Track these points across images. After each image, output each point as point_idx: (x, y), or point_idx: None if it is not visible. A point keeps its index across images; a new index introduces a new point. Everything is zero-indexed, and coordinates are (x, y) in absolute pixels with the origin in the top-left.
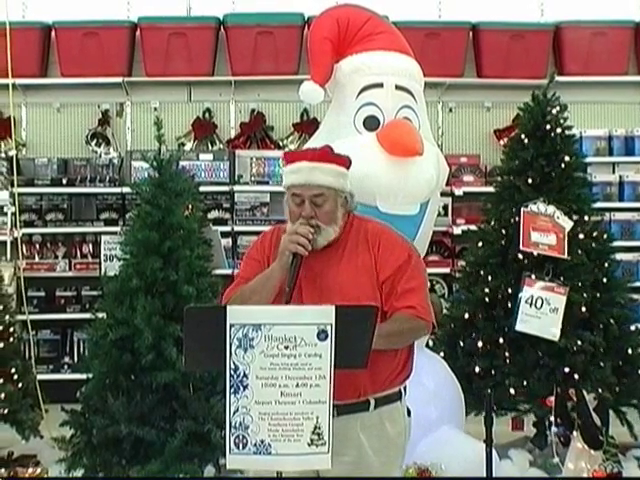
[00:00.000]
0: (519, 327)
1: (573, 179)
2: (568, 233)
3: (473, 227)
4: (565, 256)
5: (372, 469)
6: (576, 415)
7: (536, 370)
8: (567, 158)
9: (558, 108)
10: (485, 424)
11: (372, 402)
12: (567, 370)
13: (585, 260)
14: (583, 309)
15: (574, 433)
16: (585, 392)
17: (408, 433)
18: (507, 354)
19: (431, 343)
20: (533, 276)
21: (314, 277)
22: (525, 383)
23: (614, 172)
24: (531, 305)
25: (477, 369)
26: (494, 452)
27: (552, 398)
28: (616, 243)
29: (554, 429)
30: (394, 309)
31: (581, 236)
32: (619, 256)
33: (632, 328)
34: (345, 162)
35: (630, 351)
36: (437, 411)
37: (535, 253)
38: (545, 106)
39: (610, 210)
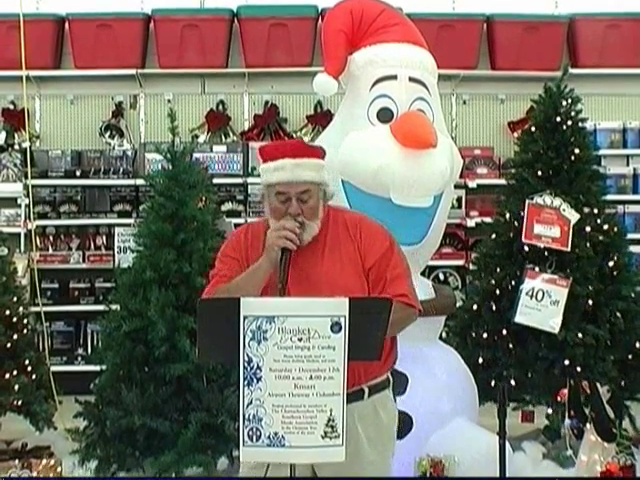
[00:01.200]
0: (518, 319)
1: (582, 171)
2: (574, 226)
3: (487, 219)
4: (568, 249)
5: (367, 459)
6: (589, 408)
7: (537, 362)
8: (577, 150)
9: (570, 100)
10: (498, 416)
11: (366, 390)
12: (567, 363)
13: (591, 253)
14: (590, 302)
15: (587, 426)
16: (599, 385)
17: (396, 422)
18: (511, 346)
19: (444, 335)
20: (537, 268)
21: (299, 272)
22: (527, 375)
23: (628, 164)
24: (532, 297)
25: (480, 360)
26: (507, 444)
27: (565, 391)
28: (630, 235)
29: (567, 421)
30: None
31: (588, 229)
32: (633, 248)
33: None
34: (321, 154)
35: (638, 345)
36: (450, 403)
37: (541, 245)
38: (557, 98)
39: (624, 202)
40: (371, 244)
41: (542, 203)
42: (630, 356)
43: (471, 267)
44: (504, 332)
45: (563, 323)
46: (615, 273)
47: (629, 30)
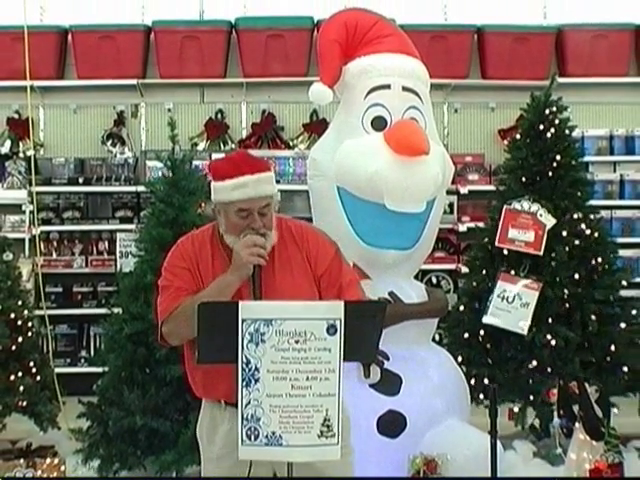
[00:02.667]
0: (487, 320)
1: (563, 178)
2: (550, 230)
3: (479, 224)
4: (540, 253)
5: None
6: (578, 407)
7: (508, 363)
8: (558, 157)
9: (554, 108)
10: (490, 416)
11: None
12: (535, 364)
13: (565, 257)
14: (566, 305)
15: (576, 425)
16: (587, 385)
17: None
18: (489, 346)
19: (437, 337)
20: (513, 272)
21: (250, 281)
22: (501, 375)
23: (615, 171)
24: (503, 299)
25: (460, 359)
26: (498, 443)
27: (555, 390)
28: (617, 240)
29: (557, 420)
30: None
31: (564, 233)
32: (622, 252)
33: (622, 325)
34: (269, 165)
35: (613, 348)
36: (443, 403)
37: (514, 249)
38: (542, 107)
39: (611, 208)
40: (319, 251)
41: (520, 208)
42: (609, 358)
43: (463, 270)
44: (481, 332)
45: (535, 325)
46: (596, 277)
47: (616, 40)
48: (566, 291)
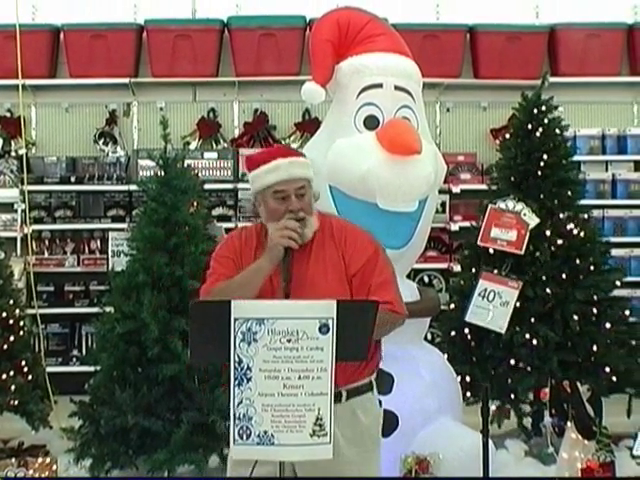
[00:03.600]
0: (468, 318)
1: (549, 177)
2: (534, 230)
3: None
4: (521, 252)
5: (346, 459)
6: (570, 406)
7: (488, 361)
8: (545, 157)
9: (544, 108)
10: (482, 415)
11: (344, 394)
12: (513, 362)
13: (547, 257)
14: (549, 304)
15: (568, 424)
16: (579, 384)
17: (380, 423)
18: (473, 344)
19: (430, 337)
20: (496, 270)
21: (289, 270)
22: (482, 374)
23: (607, 170)
24: (483, 298)
25: (446, 356)
26: (490, 442)
27: (547, 390)
28: (610, 239)
29: (549, 419)
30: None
31: (548, 233)
32: (614, 252)
33: (607, 326)
34: (304, 155)
35: (596, 348)
36: (435, 402)
37: (496, 248)
38: (532, 107)
39: (603, 207)
40: (355, 251)
41: (504, 208)
42: (592, 359)
43: (455, 269)
44: (466, 331)
45: (516, 324)
46: (581, 277)
47: (608, 39)
48: (548, 291)
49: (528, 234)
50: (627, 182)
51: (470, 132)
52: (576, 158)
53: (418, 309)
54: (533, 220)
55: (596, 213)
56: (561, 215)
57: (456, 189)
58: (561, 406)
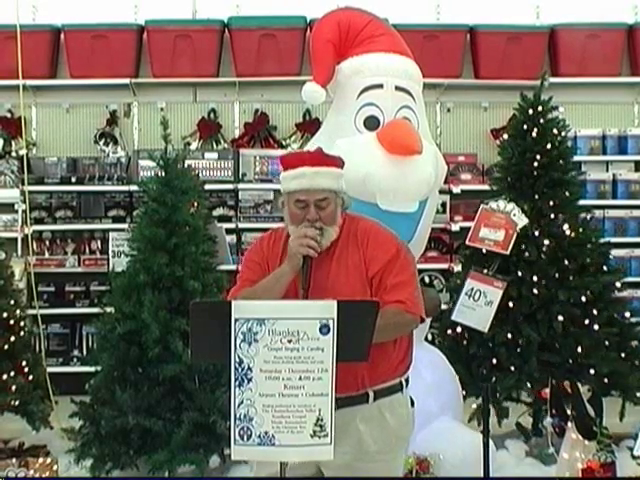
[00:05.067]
0: (454, 317)
1: (541, 177)
2: (524, 230)
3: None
4: (507, 252)
5: (371, 457)
6: (571, 407)
7: (473, 360)
8: (538, 157)
9: (540, 109)
10: (482, 415)
11: (371, 394)
12: (495, 362)
13: (534, 257)
14: (534, 305)
15: (569, 424)
16: (579, 384)
17: (412, 423)
18: (465, 342)
19: (430, 337)
20: (485, 270)
21: (308, 277)
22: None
23: (608, 170)
24: (470, 297)
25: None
26: (491, 442)
27: (547, 390)
28: (610, 239)
29: (549, 420)
30: (383, 303)
31: (536, 233)
32: (615, 252)
33: (594, 327)
34: (339, 163)
35: (580, 350)
36: (436, 403)
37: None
38: (529, 107)
39: (604, 207)
40: (376, 252)
41: (495, 208)
42: (578, 360)
43: (455, 269)
44: (458, 329)
45: (503, 324)
46: (571, 277)
47: (608, 40)
48: (536, 291)
49: (516, 234)
50: (628, 182)
51: (470, 132)
52: (577, 158)
53: None
54: (522, 220)
55: (597, 213)
56: (552, 216)
57: (457, 189)
58: (562, 406)
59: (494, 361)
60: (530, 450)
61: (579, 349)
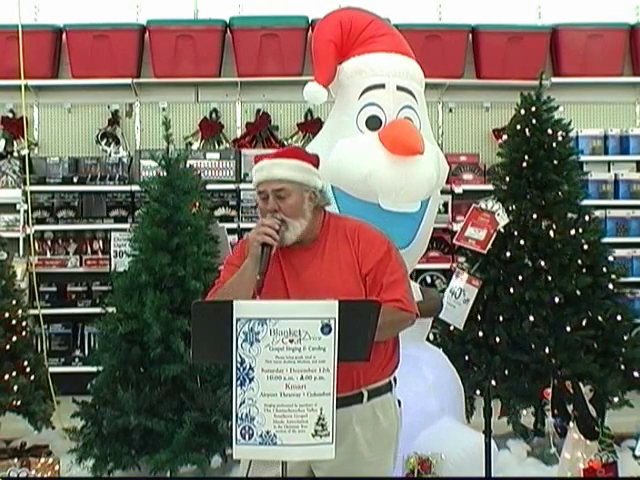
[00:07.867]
0: (441, 315)
1: (532, 177)
2: (506, 230)
3: None
4: (484, 252)
5: (365, 459)
6: (572, 407)
7: (458, 359)
8: (526, 157)
9: (534, 109)
10: (484, 415)
11: (365, 394)
12: (467, 359)
13: (512, 257)
14: (510, 304)
15: (570, 424)
16: (581, 385)
17: (400, 423)
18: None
19: (432, 337)
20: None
21: (297, 274)
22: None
23: (609, 170)
24: (452, 294)
25: None
26: (493, 442)
27: (549, 390)
28: (611, 239)
29: (551, 420)
30: (382, 302)
31: (515, 233)
32: (618, 252)
33: (567, 329)
34: (312, 159)
35: (547, 350)
36: (438, 402)
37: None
38: (529, 107)
39: (605, 207)
40: (368, 250)
41: (484, 207)
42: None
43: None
44: (451, 328)
45: (479, 322)
46: (550, 278)
47: (610, 40)
48: (512, 290)
49: (498, 234)
50: (629, 182)
51: (472, 132)
52: (574, 158)
53: (420, 309)
54: (503, 220)
55: (598, 213)
56: (534, 216)
57: (458, 189)
58: (563, 406)
59: (466, 358)
60: (532, 450)
61: (546, 350)
